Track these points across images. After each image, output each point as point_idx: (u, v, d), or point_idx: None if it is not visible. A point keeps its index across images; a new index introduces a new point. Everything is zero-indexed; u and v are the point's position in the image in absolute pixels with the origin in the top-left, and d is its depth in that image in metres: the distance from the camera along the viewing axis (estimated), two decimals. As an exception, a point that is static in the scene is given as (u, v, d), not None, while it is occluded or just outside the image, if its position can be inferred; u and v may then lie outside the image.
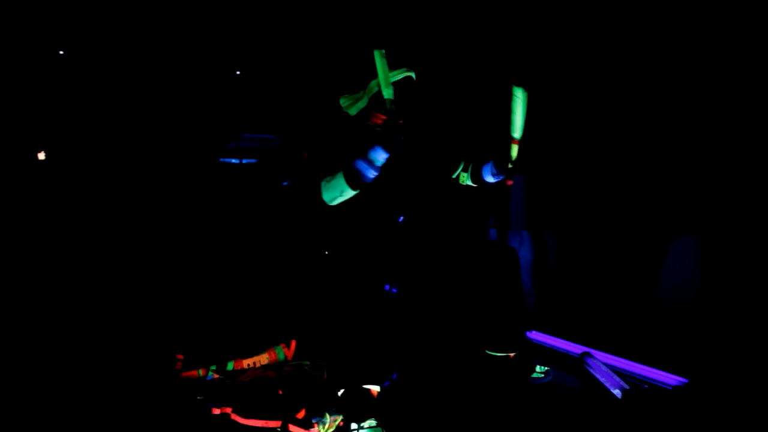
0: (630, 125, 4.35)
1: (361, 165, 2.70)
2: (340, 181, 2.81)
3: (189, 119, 6.80)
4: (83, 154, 6.56)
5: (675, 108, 4.10)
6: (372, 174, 2.71)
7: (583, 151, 4.63)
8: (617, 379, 3.01)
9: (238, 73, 7.20)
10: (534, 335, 4.03)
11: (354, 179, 2.74)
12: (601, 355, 3.46)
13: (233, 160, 6.70)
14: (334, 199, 2.88)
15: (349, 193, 2.82)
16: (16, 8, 6.07)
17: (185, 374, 3.35)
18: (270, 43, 6.69)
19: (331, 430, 2.55)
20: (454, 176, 3.42)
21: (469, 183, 3.42)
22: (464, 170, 3.41)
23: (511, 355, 3.22)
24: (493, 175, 3.22)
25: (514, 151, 3.10)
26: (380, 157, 2.69)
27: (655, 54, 4.19)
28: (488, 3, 4.93)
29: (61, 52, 6.76)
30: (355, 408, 2.57)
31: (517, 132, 3.07)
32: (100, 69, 6.78)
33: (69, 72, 6.71)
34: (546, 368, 3.31)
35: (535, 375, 3.27)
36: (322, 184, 2.91)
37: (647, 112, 4.26)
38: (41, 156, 6.33)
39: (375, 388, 2.72)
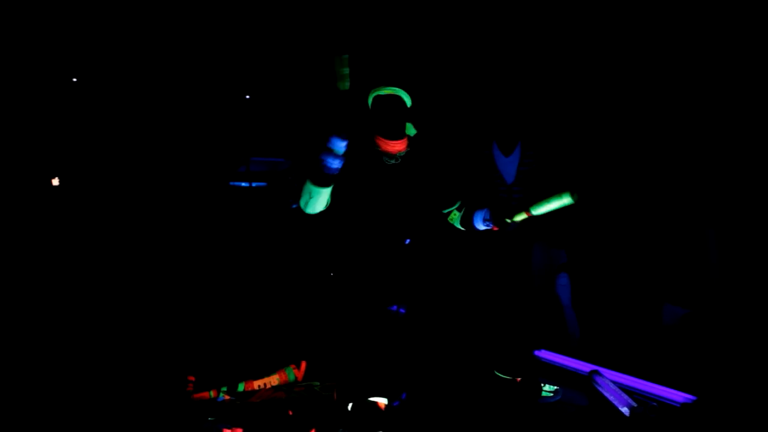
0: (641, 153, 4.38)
1: (323, 156, 2.69)
2: (306, 183, 2.81)
3: (199, 143, 6.88)
4: (96, 178, 6.65)
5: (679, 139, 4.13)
6: (336, 164, 2.69)
7: (594, 169, 4.65)
8: (626, 397, 3.02)
9: (247, 97, 7.29)
10: (543, 354, 4.03)
11: (319, 175, 2.73)
12: (609, 373, 3.46)
13: (243, 184, 6.76)
14: (308, 203, 2.86)
15: (320, 193, 2.81)
16: (30, 30, 6.20)
17: (197, 395, 3.38)
18: (280, 68, 6.78)
19: (341, 449, 2.57)
20: (445, 212, 3.41)
21: (457, 225, 3.41)
22: (458, 209, 3.41)
23: (518, 379, 3.24)
24: (484, 221, 3.22)
25: (520, 217, 3.11)
26: (339, 145, 2.68)
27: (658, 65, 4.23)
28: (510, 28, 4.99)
29: (75, 79, 6.88)
30: (364, 423, 2.59)
31: (536, 211, 3.08)
32: (113, 93, 6.89)
33: (82, 96, 6.82)
34: (555, 387, 3.32)
35: (544, 394, 3.28)
36: (301, 197, 2.92)
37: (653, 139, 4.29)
38: (55, 182, 6.42)
39: (382, 401, 2.74)
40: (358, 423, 2.64)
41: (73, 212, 6.37)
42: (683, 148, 4.27)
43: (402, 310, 3.10)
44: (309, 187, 2.79)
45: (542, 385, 3.31)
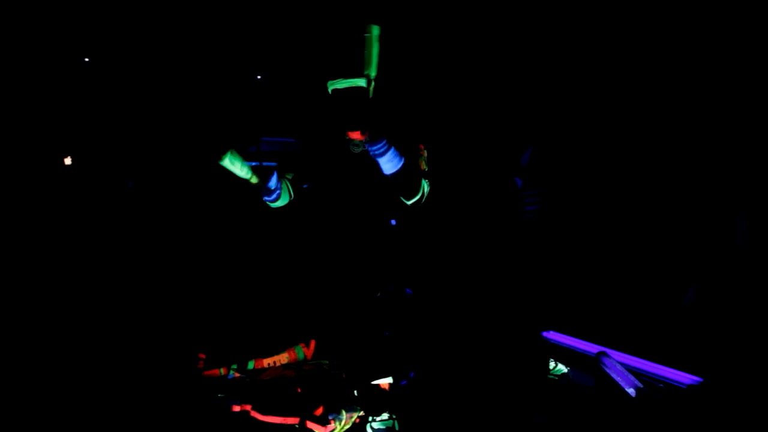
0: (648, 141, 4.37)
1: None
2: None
3: (209, 124, 6.89)
4: (104, 159, 6.68)
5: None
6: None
7: (601, 154, 4.64)
8: (632, 378, 3.03)
9: (258, 77, 7.28)
10: (551, 335, 4.05)
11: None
12: (617, 355, 3.47)
13: (253, 164, 6.76)
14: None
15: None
16: (41, 16, 6.20)
17: (207, 373, 3.42)
18: (291, 47, 6.76)
19: (348, 426, 2.60)
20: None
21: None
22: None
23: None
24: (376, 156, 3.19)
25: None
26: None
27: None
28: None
29: (87, 59, 6.89)
30: (371, 402, 2.62)
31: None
32: (121, 74, 6.90)
33: (92, 77, 6.83)
34: (563, 372, 3.34)
35: (554, 372, 3.31)
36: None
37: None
38: (68, 161, 6.46)
39: (385, 382, 2.77)
40: (365, 399, 2.68)
41: (83, 191, 6.40)
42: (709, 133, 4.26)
43: (408, 291, 3.12)
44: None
45: (553, 365, 3.33)
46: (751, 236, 3.93)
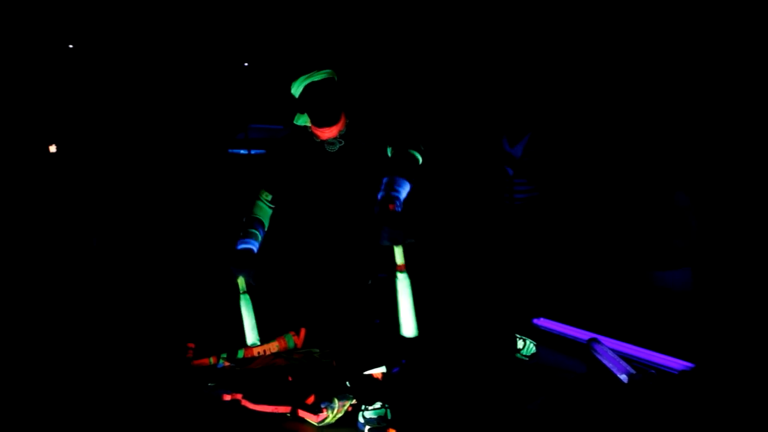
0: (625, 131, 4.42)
1: None
2: None
3: (198, 111, 6.83)
4: (93, 145, 6.61)
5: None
6: None
7: (591, 143, 4.66)
8: (624, 364, 3.03)
9: (246, 64, 7.22)
10: (541, 322, 4.04)
11: None
12: (608, 341, 3.47)
13: (242, 151, 6.72)
14: None
15: None
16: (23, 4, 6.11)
17: (196, 362, 3.40)
18: (278, 34, 6.71)
19: (340, 414, 2.58)
20: None
21: None
22: None
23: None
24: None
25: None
26: None
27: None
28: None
29: (71, 46, 6.80)
30: (363, 391, 2.61)
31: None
32: (109, 61, 6.82)
33: (79, 64, 6.75)
34: (532, 342, 3.35)
35: (523, 352, 3.31)
36: None
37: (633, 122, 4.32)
38: (53, 148, 6.38)
39: (378, 371, 2.76)
40: (358, 388, 2.66)
41: (70, 178, 6.34)
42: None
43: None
44: None
45: (522, 344, 3.33)
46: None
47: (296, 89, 3.57)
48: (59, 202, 6.00)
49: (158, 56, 6.84)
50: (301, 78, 3.47)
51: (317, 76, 3.42)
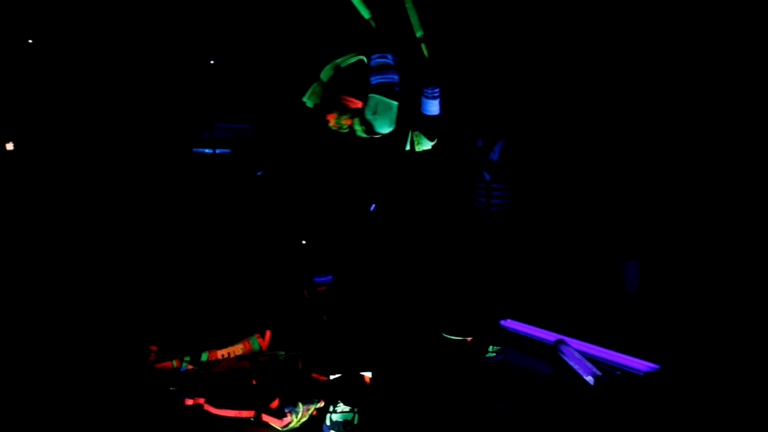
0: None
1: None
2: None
3: (162, 109, 6.71)
4: (53, 145, 6.45)
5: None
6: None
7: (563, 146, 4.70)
8: (590, 366, 3.04)
9: (212, 62, 7.12)
10: (509, 323, 4.05)
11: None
12: (575, 343, 3.48)
13: (206, 150, 6.63)
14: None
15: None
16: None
17: (159, 365, 3.32)
18: (244, 33, 6.63)
19: (305, 419, 2.54)
20: (408, 147, 3.37)
21: (425, 143, 3.36)
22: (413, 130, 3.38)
23: (468, 339, 3.24)
24: (427, 98, 3.23)
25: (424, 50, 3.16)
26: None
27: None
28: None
29: (30, 41, 6.63)
30: (333, 394, 2.57)
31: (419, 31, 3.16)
32: (72, 58, 6.67)
33: (41, 61, 6.59)
34: (497, 347, 3.35)
35: (488, 355, 3.31)
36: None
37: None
38: (9, 146, 6.21)
39: (368, 375, 2.72)
40: (326, 391, 2.62)
41: (32, 176, 6.18)
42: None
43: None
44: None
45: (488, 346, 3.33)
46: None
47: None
48: (17, 200, 5.86)
49: (122, 54, 6.71)
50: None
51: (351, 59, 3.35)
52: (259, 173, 4.46)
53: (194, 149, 6.60)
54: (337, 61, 3.21)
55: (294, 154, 3.34)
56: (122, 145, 6.49)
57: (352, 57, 3.21)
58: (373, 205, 3.17)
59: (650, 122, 4.36)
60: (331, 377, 2.68)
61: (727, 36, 3.97)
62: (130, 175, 6.31)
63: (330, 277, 3.50)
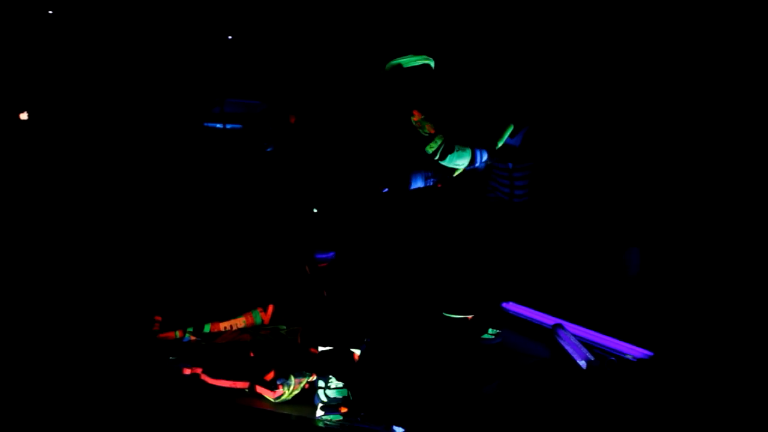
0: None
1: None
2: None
3: (174, 83, 6.75)
4: (65, 117, 6.52)
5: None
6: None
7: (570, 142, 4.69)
8: (584, 350, 3.06)
9: (230, 37, 7.13)
10: (510, 306, 4.07)
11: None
12: (573, 327, 3.50)
13: (217, 125, 6.66)
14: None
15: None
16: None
17: (162, 335, 3.39)
18: (257, 8, 6.62)
19: (296, 391, 2.60)
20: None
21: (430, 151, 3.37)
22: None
23: (469, 317, 3.27)
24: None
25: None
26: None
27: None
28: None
29: (51, 12, 6.69)
30: (326, 370, 2.61)
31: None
32: (84, 34, 6.71)
33: (53, 36, 6.64)
34: (497, 331, 3.38)
35: (486, 336, 3.34)
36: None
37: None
38: (24, 116, 6.29)
39: (357, 352, 2.76)
40: (320, 366, 2.67)
41: (40, 152, 6.26)
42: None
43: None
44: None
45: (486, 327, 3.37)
46: None
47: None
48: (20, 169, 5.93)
49: (134, 29, 6.73)
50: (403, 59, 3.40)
51: (417, 60, 3.39)
52: (268, 149, 4.48)
53: (205, 124, 6.63)
54: (401, 60, 3.27)
55: (307, 132, 3.35)
56: (134, 120, 6.55)
57: (418, 60, 3.26)
58: (386, 189, 3.19)
59: (658, 117, 4.36)
60: (320, 349, 2.72)
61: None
62: (140, 149, 6.37)
63: (332, 254, 3.54)
